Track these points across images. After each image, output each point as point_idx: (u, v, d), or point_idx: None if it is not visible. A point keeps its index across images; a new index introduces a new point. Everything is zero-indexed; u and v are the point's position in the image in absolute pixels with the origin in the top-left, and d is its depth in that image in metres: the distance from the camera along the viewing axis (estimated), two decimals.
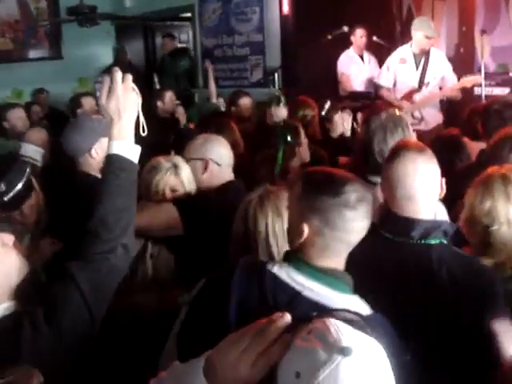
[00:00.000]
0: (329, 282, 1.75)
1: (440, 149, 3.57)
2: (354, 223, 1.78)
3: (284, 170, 3.81)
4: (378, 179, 2.87)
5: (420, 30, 6.17)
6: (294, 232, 1.83)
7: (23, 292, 1.85)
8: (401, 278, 2.19)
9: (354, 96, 7.21)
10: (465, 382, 2.07)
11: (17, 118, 5.64)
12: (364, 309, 1.73)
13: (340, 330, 1.23)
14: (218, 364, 1.32)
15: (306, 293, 1.73)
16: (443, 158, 3.06)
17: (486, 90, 6.35)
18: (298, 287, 1.74)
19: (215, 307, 1.78)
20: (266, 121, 5.44)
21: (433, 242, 2.23)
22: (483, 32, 7.34)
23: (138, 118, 2.06)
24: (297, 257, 1.81)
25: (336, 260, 1.81)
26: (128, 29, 11.16)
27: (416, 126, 6.12)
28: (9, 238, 1.87)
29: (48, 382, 1.37)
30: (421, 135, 5.15)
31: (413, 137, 3.11)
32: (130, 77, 2.02)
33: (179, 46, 10.26)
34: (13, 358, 1.66)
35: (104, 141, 2.97)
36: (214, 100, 7.17)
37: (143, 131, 2.09)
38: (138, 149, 2.04)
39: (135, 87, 2.03)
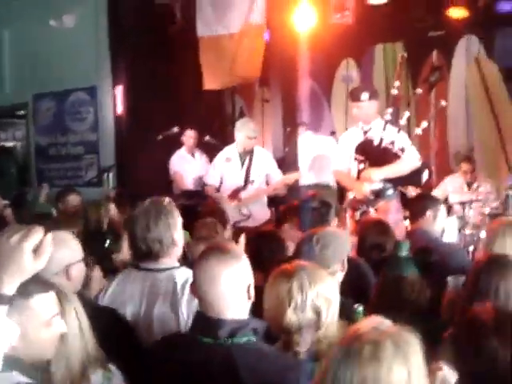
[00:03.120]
0: None
1: (261, 244, 3.82)
2: None
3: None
4: (149, 265, 2.98)
5: (242, 131, 6.43)
6: None
7: None
8: (205, 380, 2.20)
9: (187, 194, 7.32)
10: None
11: None
12: None
13: None
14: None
15: None
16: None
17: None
18: None
19: None
20: (94, 219, 5.34)
21: (240, 340, 2.25)
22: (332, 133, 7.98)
23: None
24: None
25: None
26: None
27: (244, 222, 6.30)
28: None
29: None
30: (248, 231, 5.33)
31: (178, 223, 3.10)
32: None
33: (5, 145, 10.05)
34: None
35: None
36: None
37: None
38: None
39: None
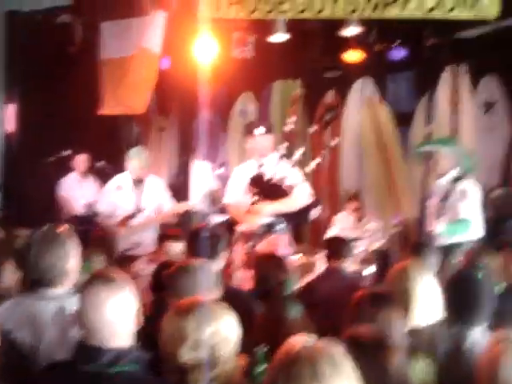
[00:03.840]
0: None
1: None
2: None
3: None
4: (39, 293, 2.88)
5: (134, 159, 6.39)
6: None
7: None
8: None
9: (77, 220, 7.13)
10: None
11: None
12: None
13: None
14: None
15: None
16: None
17: (205, 217, 6.77)
18: None
19: None
20: None
21: (122, 369, 2.22)
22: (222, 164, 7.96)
23: None
24: None
25: None
26: None
27: (134, 250, 6.18)
28: None
29: None
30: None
31: (73, 251, 3.01)
32: None
33: None
34: None
35: None
36: None
37: None
38: None
39: None
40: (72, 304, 2.82)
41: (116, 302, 2.31)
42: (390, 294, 2.83)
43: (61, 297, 2.92)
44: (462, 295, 3.04)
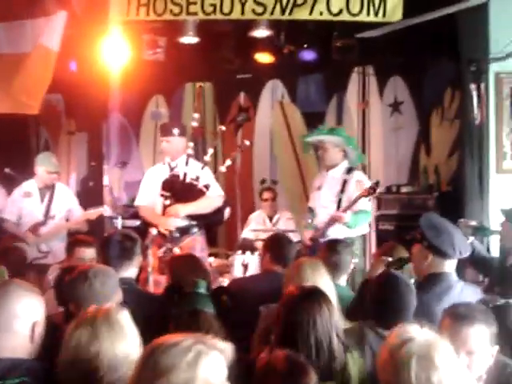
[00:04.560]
0: None
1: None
2: None
3: None
4: None
5: (42, 166, 6.24)
6: None
7: None
8: None
9: None
10: None
11: None
12: None
13: None
14: None
15: None
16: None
17: (121, 222, 6.67)
18: None
19: None
20: None
21: (13, 382, 2.14)
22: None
23: None
24: None
25: None
26: None
27: (43, 259, 6.01)
28: None
29: None
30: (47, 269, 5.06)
31: None
32: None
33: None
34: None
35: None
36: None
37: None
38: None
39: None
40: None
41: (21, 308, 2.24)
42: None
43: None
44: (390, 299, 3.04)
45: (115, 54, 6.31)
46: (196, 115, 6.07)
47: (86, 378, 2.13)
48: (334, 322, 2.69)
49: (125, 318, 2.29)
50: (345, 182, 5.69)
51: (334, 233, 5.49)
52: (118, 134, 7.80)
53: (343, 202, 5.63)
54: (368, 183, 5.58)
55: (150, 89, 8.52)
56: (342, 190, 5.68)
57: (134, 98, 8.31)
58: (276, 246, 4.54)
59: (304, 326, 2.63)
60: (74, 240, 4.74)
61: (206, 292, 3.07)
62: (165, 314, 3.45)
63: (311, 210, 5.96)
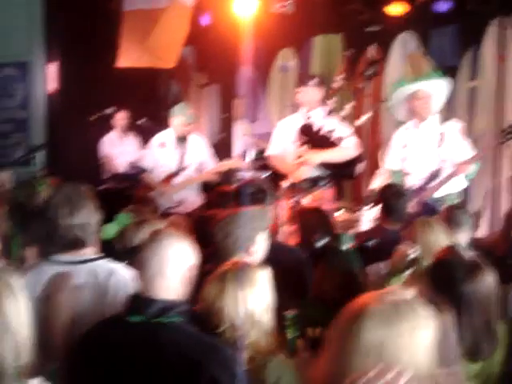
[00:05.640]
0: None
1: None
2: None
3: None
4: (66, 257, 2.75)
5: (178, 116, 6.33)
6: None
7: None
8: (131, 357, 2.24)
9: (118, 178, 7.19)
10: None
11: None
12: None
13: None
14: None
15: None
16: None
17: (247, 175, 6.74)
18: None
19: None
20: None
21: (168, 320, 2.26)
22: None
23: None
24: None
25: None
26: None
27: (175, 208, 6.21)
28: None
29: None
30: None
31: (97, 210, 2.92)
32: None
33: None
34: None
35: None
36: None
37: None
38: None
39: None
40: (104, 268, 2.80)
41: (174, 254, 2.35)
42: None
43: (91, 260, 2.80)
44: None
45: (245, 7, 6.34)
46: (340, 76, 5.95)
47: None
48: None
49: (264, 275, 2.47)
50: (442, 134, 5.29)
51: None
52: (246, 86, 7.86)
53: (444, 155, 5.24)
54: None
55: (279, 42, 8.50)
56: (441, 143, 5.28)
57: (262, 51, 8.33)
58: (388, 198, 4.40)
59: None
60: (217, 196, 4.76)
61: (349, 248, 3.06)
62: (298, 265, 3.52)
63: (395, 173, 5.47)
